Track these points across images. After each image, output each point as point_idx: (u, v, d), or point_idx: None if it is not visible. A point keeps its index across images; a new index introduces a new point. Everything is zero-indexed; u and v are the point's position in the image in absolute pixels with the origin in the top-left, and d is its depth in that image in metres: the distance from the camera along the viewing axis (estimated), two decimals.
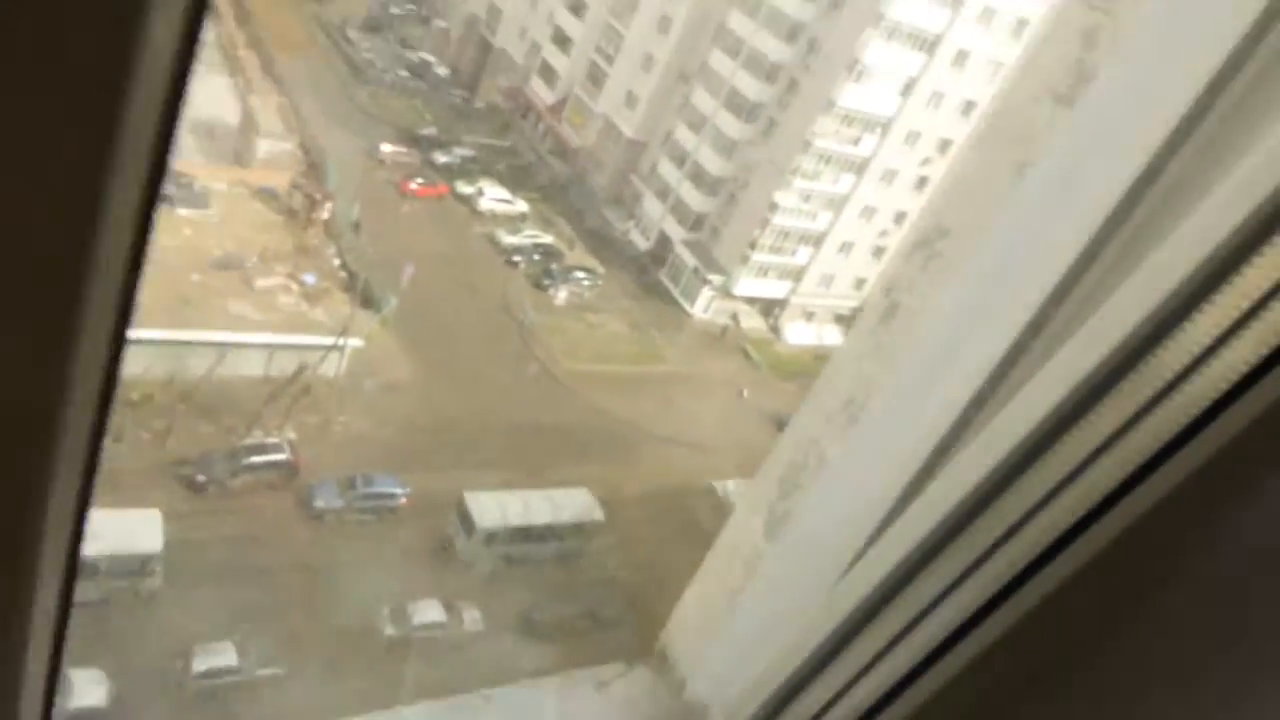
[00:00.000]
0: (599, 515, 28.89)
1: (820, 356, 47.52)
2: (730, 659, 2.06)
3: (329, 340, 30.28)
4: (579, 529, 28.26)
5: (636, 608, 24.70)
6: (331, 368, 29.86)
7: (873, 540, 1.81)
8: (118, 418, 27.51)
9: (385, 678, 21.40)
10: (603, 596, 26.15)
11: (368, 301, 33.98)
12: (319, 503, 25.67)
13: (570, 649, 23.15)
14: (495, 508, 27.01)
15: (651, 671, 2.21)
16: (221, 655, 20.64)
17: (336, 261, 36.60)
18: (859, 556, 1.79)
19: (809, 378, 43.31)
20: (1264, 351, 1.26)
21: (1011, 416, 1.56)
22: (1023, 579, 1.56)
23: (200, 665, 20.39)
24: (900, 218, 45.72)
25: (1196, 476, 1.36)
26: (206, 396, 27.90)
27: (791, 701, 1.94)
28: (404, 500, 26.83)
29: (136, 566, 21.39)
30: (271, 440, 27.51)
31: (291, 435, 28.33)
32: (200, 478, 26.03)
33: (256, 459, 26.64)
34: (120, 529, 20.91)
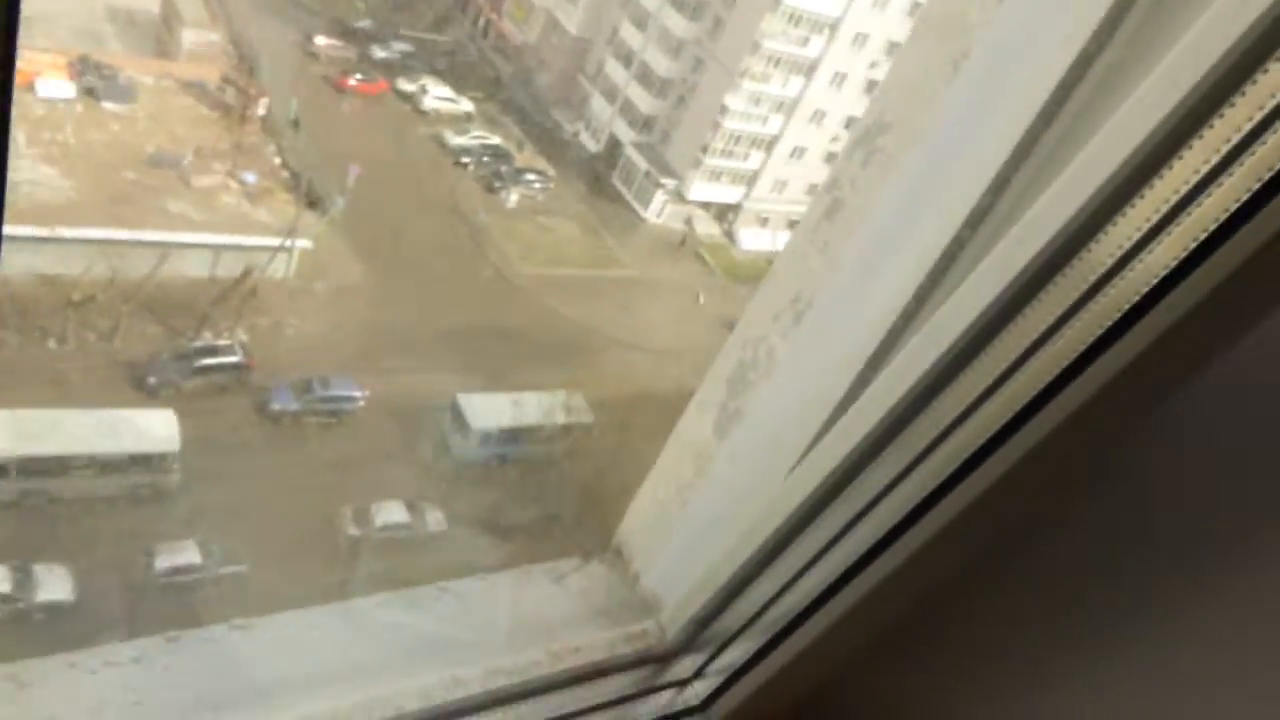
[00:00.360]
0: (588, 418, 29.04)
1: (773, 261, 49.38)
2: (683, 553, 2.18)
3: (275, 241, 29.44)
4: (568, 430, 28.47)
5: (603, 508, 25.10)
6: (280, 269, 29.11)
7: (821, 435, 1.87)
8: (60, 319, 26.71)
9: (347, 576, 21.60)
10: (571, 498, 26.49)
11: (313, 202, 32.99)
12: (275, 405, 25.26)
13: (534, 549, 23.47)
14: (489, 409, 27.13)
15: (606, 566, 2.33)
16: (184, 554, 20.55)
17: (277, 160, 35.27)
18: (808, 452, 1.82)
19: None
20: (1200, 235, 1.31)
21: (954, 310, 1.59)
22: (966, 470, 1.62)
23: (163, 564, 20.26)
24: (851, 122, 45.52)
25: (1134, 367, 1.44)
26: (152, 298, 27.00)
27: (742, 592, 1.99)
28: (362, 403, 26.55)
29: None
30: (223, 342, 26.85)
31: (243, 337, 27.67)
32: (152, 380, 25.37)
33: (209, 361, 26.02)
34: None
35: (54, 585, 19.39)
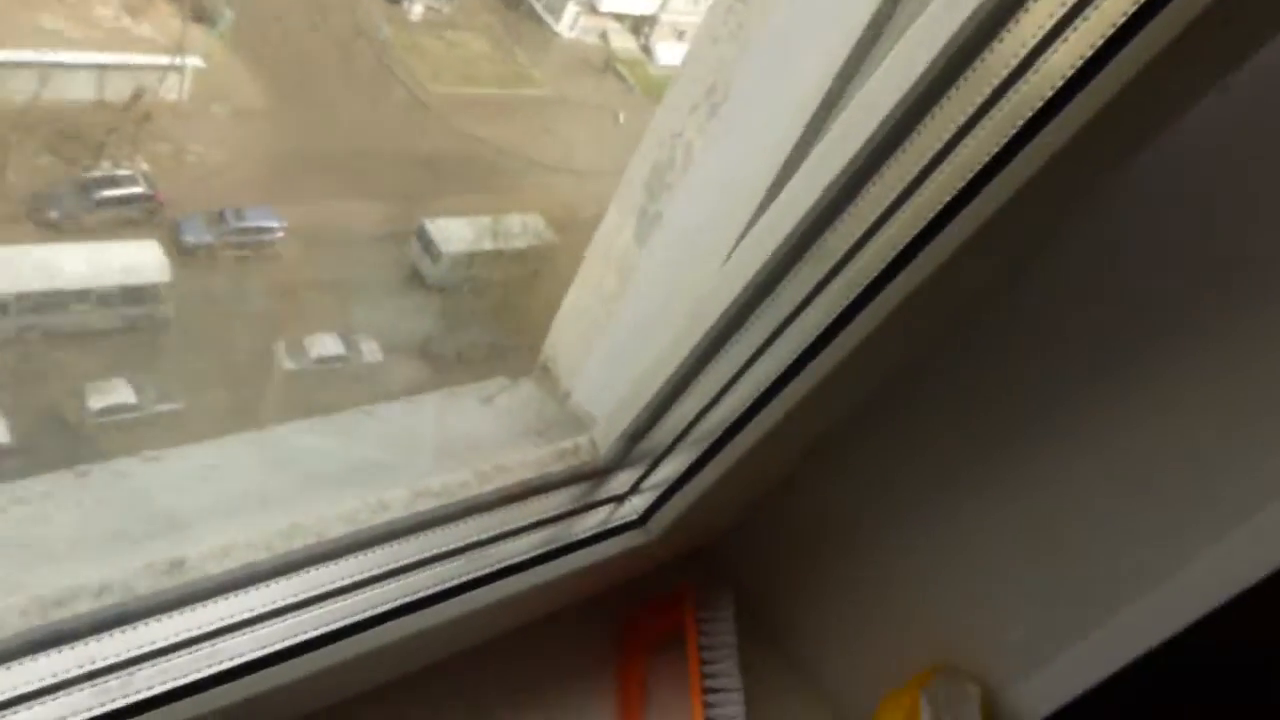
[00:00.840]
0: (552, 239, 28.34)
1: None
2: (612, 367, 2.25)
3: (164, 60, 27.22)
4: (536, 253, 27.80)
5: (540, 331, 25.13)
6: (173, 91, 27.02)
7: (743, 237, 1.90)
8: None
9: (283, 407, 21.42)
10: (525, 321, 26.32)
11: (199, 15, 30.38)
12: (189, 238, 23.98)
13: (475, 375, 23.52)
14: (458, 233, 26.31)
15: (535, 384, 2.37)
16: (117, 393, 20.04)
17: None
18: (731, 254, 1.90)
19: None
20: (1107, 33, 1.28)
21: (872, 96, 1.56)
22: (893, 271, 1.64)
23: (96, 404, 19.74)
24: None
25: (1058, 157, 1.49)
26: (37, 124, 24.88)
27: (672, 405, 2.07)
28: (281, 234, 25.44)
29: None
30: (123, 172, 25.09)
31: (144, 167, 25.91)
32: (53, 213, 23.67)
33: (111, 192, 24.34)
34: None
35: None
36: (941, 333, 1.85)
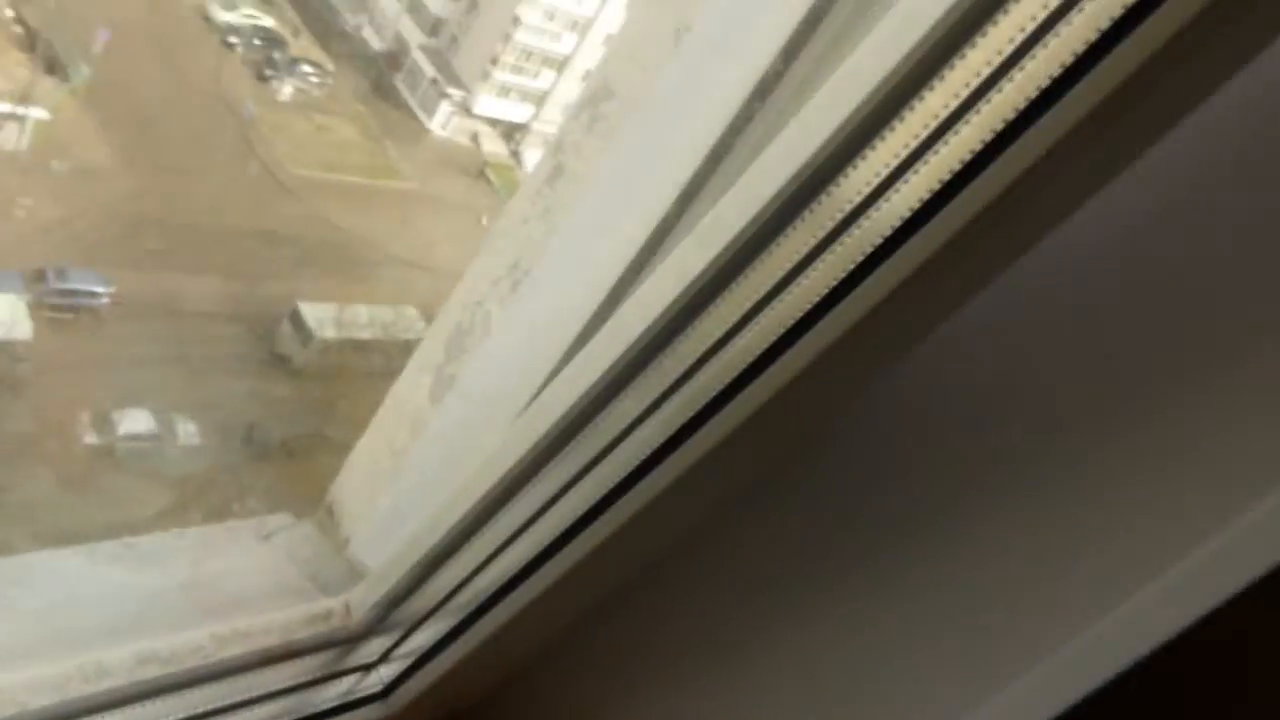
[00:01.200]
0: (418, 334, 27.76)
1: None
2: (392, 521, 2.25)
3: (5, 108, 25.88)
4: (407, 347, 27.11)
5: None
6: (10, 140, 25.64)
7: (528, 406, 2.01)
8: None
9: (80, 488, 19.93)
10: (347, 418, 25.50)
11: (52, 67, 29.16)
12: (2, 293, 22.47)
13: (293, 471, 22.51)
14: (328, 317, 25.56)
15: (316, 527, 2.35)
16: None
17: (10, 13, 30.80)
18: (515, 422, 1.99)
19: None
20: (938, 184, 1.30)
21: (663, 280, 1.58)
22: (669, 449, 1.62)
23: None
24: None
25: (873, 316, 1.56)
26: None
27: (437, 570, 1.99)
28: (107, 300, 24.12)
29: None
30: None
31: None
32: None
33: None
34: None
35: None
36: (716, 506, 1.81)
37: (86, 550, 1.88)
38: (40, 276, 23.39)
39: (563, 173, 1.80)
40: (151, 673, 1.67)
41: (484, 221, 44.83)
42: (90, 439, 21.23)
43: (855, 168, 1.31)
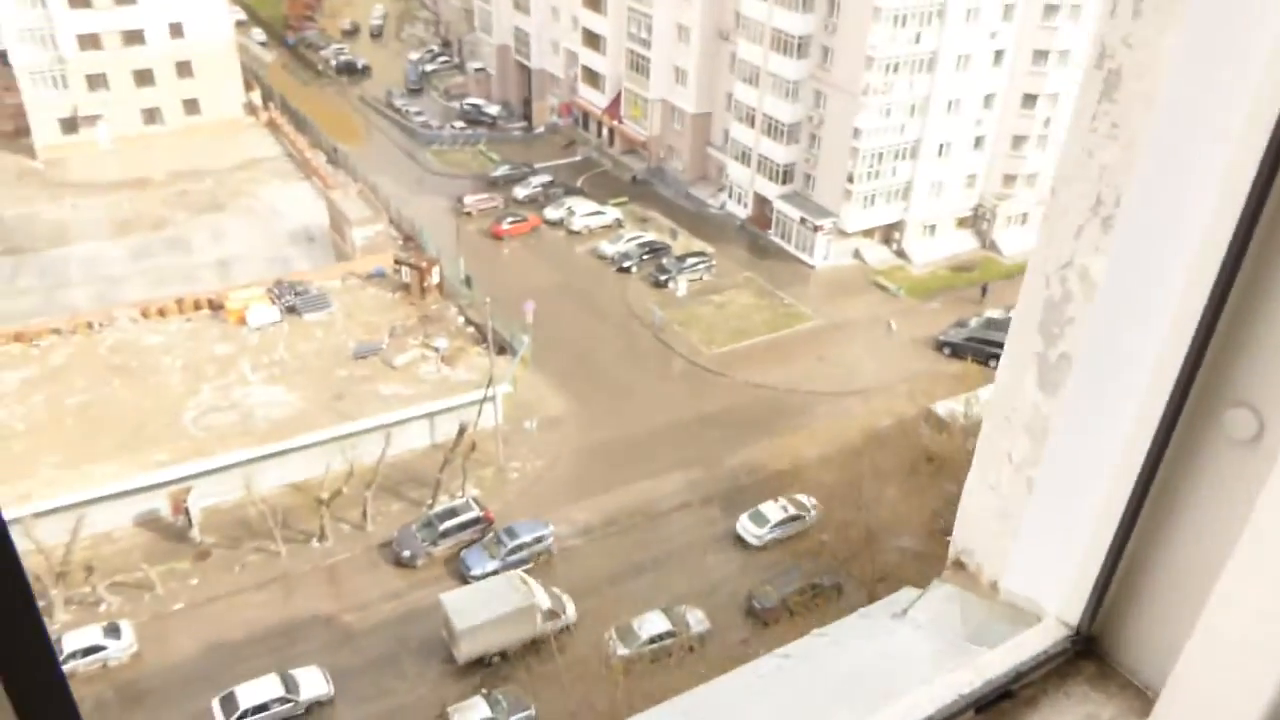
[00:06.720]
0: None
1: (956, 267, 46.67)
2: (1045, 537, 1.81)
3: (478, 394, 31.01)
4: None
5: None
6: (489, 418, 30.55)
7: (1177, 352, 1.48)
8: (315, 518, 28.97)
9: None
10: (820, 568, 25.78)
11: (502, 348, 34.65)
12: (475, 571, 26.48)
13: (806, 620, 23.02)
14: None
15: (951, 584, 1.98)
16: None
17: (460, 320, 37.47)
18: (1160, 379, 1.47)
19: (951, 292, 42.50)
20: None
21: None
22: None
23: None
24: (989, 100, 43.98)
25: None
26: (387, 478, 28.96)
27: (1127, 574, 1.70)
28: (551, 539, 27.47)
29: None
30: (458, 502, 28.36)
31: (474, 491, 29.10)
32: (405, 553, 27.09)
33: (450, 523, 27.53)
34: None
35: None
36: None
37: (750, 670, 2.01)
38: (496, 541, 26.74)
39: (1120, 77, 1.53)
40: None
41: (893, 326, 42.79)
42: (622, 650, 23.39)
43: None
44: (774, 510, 28.95)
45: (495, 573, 26.06)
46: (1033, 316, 1.81)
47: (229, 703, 22.93)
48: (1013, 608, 1.91)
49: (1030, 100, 44.25)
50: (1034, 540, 1.91)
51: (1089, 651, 1.81)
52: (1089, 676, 1.75)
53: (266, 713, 22.97)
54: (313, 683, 24.25)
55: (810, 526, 28.06)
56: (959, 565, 2.04)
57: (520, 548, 27.20)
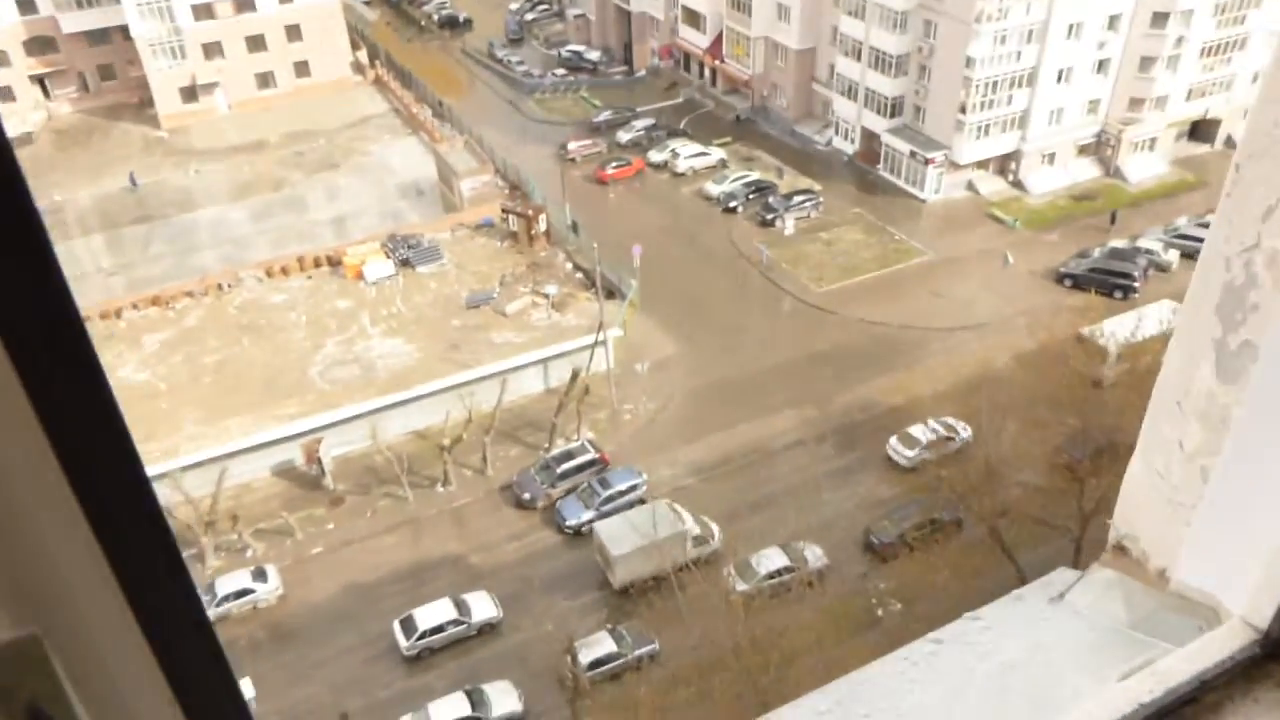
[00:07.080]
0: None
1: (1077, 196, 44.55)
2: (1226, 536, 1.69)
3: (590, 339, 31.39)
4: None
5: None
6: (601, 363, 30.92)
7: None
8: (438, 464, 29.97)
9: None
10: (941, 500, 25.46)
11: (610, 292, 34.88)
12: (570, 522, 27.12)
13: (920, 558, 22.85)
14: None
15: (1113, 570, 1.87)
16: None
17: (569, 266, 37.86)
18: None
19: (1071, 222, 40.74)
20: None
21: None
22: None
23: (585, 657, 22.36)
24: (1114, 21, 41.43)
25: None
26: (505, 423, 29.72)
27: None
28: (644, 487, 27.77)
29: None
30: (574, 445, 28.93)
31: (590, 435, 29.62)
32: (526, 495, 27.87)
33: (568, 465, 28.16)
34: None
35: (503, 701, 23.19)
36: None
37: (903, 656, 2.01)
38: (590, 491, 27.37)
39: None
40: None
41: (1009, 259, 41.02)
42: (741, 586, 23.67)
43: None
44: (923, 431, 28.98)
45: (590, 522, 27.02)
46: (1209, 299, 1.70)
47: (408, 624, 24.86)
48: (1183, 599, 1.82)
49: (1160, 19, 41.50)
50: (1210, 532, 1.82)
51: (1276, 655, 1.74)
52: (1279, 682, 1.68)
53: (442, 634, 24.79)
54: (483, 606, 25.83)
55: (964, 446, 27.68)
56: (1121, 550, 1.95)
57: (614, 496, 27.71)
